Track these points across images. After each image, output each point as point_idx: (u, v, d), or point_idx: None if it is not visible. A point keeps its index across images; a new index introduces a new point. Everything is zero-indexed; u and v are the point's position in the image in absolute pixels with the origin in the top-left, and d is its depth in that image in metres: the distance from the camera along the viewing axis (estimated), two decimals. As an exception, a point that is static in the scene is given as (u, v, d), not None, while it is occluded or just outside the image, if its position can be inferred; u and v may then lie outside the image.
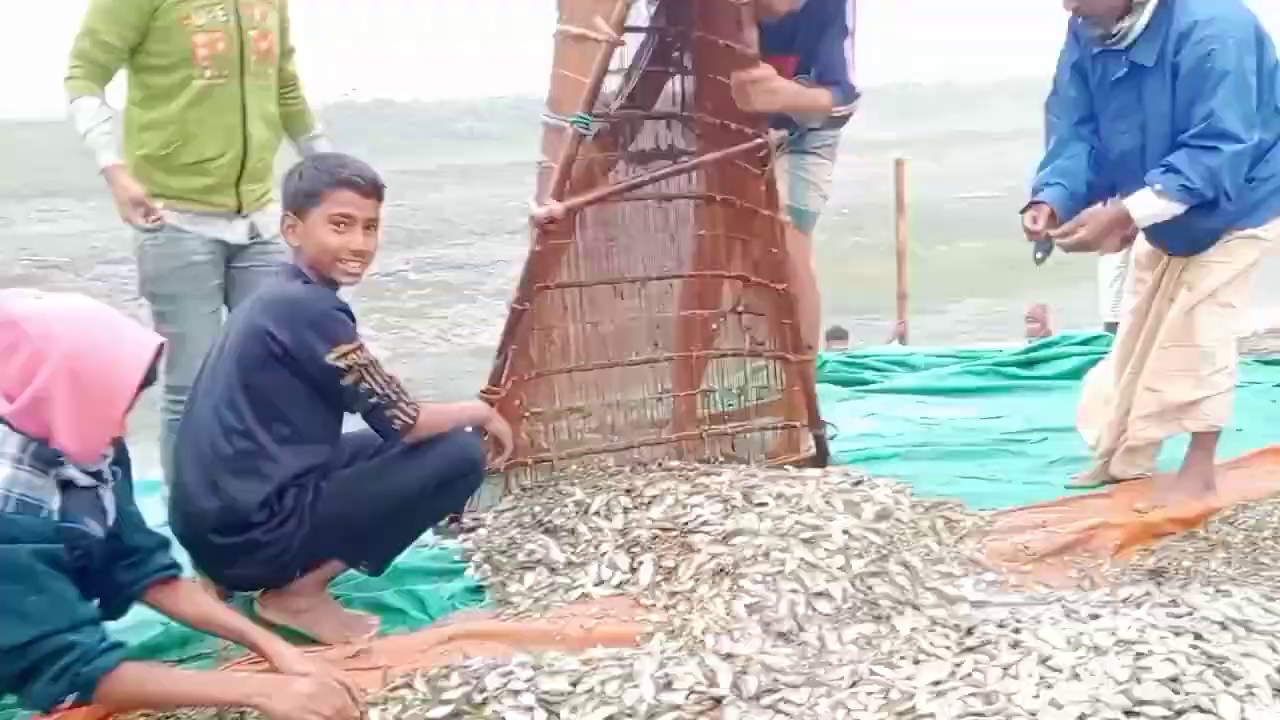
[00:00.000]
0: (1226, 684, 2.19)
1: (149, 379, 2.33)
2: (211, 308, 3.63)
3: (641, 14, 3.62)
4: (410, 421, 2.92)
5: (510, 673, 2.58)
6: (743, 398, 4.17)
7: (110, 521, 2.44)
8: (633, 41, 3.62)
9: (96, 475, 2.37)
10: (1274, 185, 3.43)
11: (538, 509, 3.53)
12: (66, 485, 2.24)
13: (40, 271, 19.09)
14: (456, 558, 3.45)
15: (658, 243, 3.99)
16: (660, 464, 3.83)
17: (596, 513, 3.38)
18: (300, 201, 2.95)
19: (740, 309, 4.06)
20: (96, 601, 2.39)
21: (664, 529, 3.24)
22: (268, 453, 2.88)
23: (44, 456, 2.20)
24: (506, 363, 3.65)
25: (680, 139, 3.91)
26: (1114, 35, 3.28)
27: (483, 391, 3.61)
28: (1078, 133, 3.56)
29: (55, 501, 2.20)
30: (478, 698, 2.49)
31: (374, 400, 2.88)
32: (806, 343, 4.13)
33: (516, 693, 2.49)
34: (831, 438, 4.17)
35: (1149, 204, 3.27)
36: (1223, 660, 2.29)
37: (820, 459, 4.04)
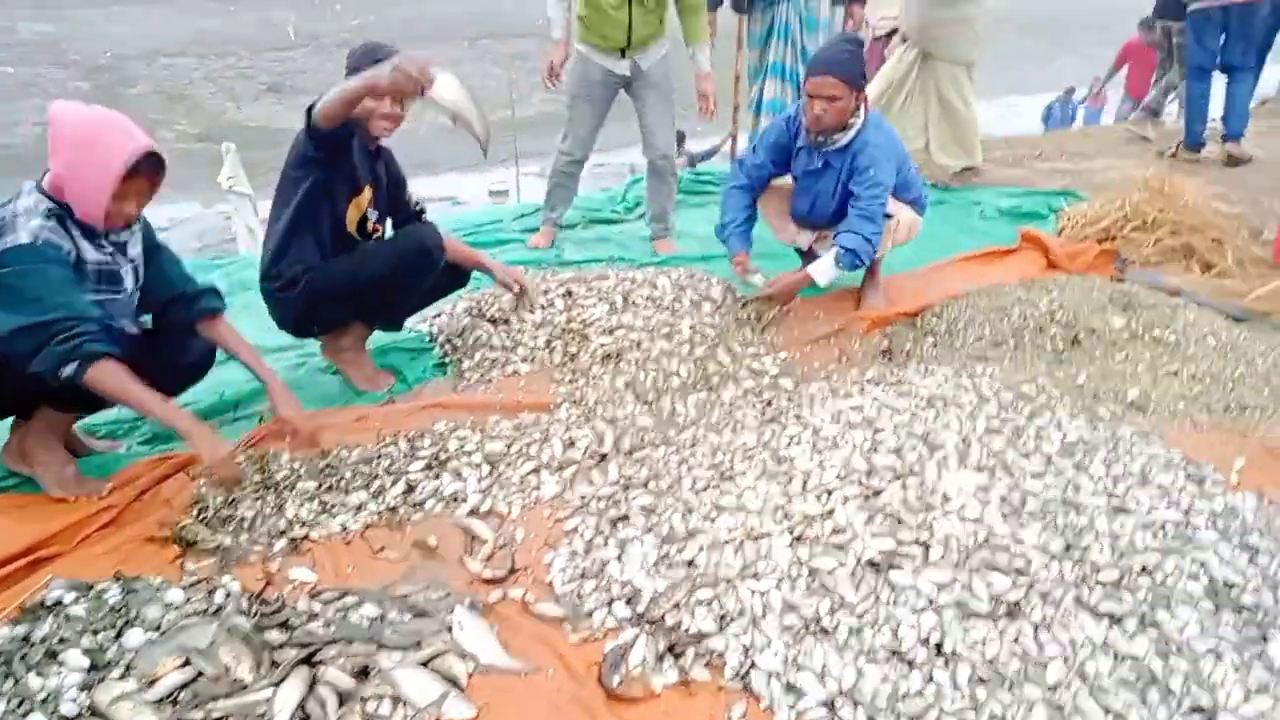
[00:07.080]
0: (930, 454, 2.21)
1: (141, 170, 2.06)
2: (595, 109, 3.96)
3: None
4: None
5: (465, 437, 2.49)
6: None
7: (128, 285, 2.19)
8: None
9: (112, 255, 2.14)
10: None
11: (484, 304, 3.30)
12: (78, 261, 2.05)
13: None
14: (427, 340, 3.24)
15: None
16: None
17: (526, 309, 3.19)
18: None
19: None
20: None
21: (569, 323, 3.09)
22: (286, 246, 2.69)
23: (63, 223, 2.03)
24: None
25: None
26: (824, 141, 3.21)
27: None
28: (754, 185, 3.47)
29: (72, 252, 2.03)
30: (443, 456, 2.40)
31: None
32: None
33: (469, 453, 2.41)
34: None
35: (826, 272, 3.24)
36: (928, 435, 2.30)
37: None
